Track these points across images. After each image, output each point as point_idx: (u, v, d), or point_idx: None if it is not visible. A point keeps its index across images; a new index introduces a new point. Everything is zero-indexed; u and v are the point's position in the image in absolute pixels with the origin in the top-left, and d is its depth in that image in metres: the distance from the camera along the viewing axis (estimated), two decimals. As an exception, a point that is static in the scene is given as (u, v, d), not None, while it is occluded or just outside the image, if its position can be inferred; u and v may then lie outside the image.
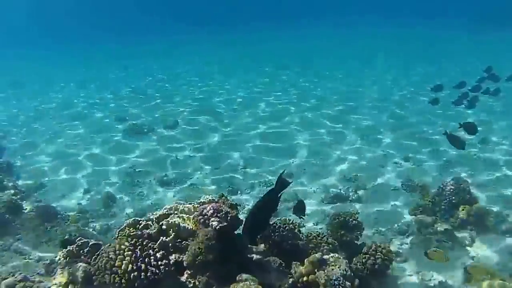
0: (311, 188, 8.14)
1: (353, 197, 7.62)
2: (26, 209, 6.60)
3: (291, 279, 3.51)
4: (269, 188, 4.11)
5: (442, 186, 6.68)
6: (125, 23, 48.39)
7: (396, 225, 6.64)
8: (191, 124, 12.50)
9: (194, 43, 34.24)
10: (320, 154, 9.80)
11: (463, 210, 6.32)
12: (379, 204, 7.43)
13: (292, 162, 9.38)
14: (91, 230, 6.57)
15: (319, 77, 19.07)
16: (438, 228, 6.12)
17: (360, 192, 7.80)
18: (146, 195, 8.21)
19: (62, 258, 3.37)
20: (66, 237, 5.58)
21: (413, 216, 6.67)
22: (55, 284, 3.13)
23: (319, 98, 15.18)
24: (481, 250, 5.84)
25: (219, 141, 10.97)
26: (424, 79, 17.39)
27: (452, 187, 6.49)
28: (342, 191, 7.75)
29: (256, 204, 3.33)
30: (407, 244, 6.15)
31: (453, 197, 6.42)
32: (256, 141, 10.83)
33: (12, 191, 6.97)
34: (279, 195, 3.16)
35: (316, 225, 6.82)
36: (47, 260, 4.25)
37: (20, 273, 3.30)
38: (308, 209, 7.24)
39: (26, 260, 5.58)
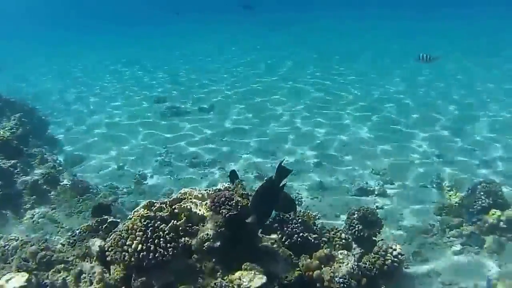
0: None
1: (379, 191, 7.47)
2: (62, 181, 7.04)
3: (297, 272, 3.53)
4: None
5: (472, 187, 6.38)
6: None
7: (420, 223, 6.46)
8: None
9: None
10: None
11: (493, 214, 6.01)
12: (405, 200, 7.24)
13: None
14: (119, 205, 6.91)
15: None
16: (464, 231, 5.89)
17: (387, 187, 7.64)
18: (176, 175, 8.46)
19: (82, 232, 3.60)
20: (100, 202, 5.63)
21: (439, 216, 6.45)
22: (73, 255, 3.36)
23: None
24: (510, 259, 5.55)
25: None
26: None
27: (484, 189, 6.18)
28: (368, 184, 7.63)
29: (256, 195, 3.42)
30: (429, 244, 5.98)
31: (484, 200, 6.11)
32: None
33: (52, 164, 7.44)
34: (280, 184, 3.20)
35: (338, 216, 6.79)
36: (73, 230, 4.53)
37: (44, 243, 3.57)
38: (333, 198, 7.28)
39: (58, 228, 6.02)
